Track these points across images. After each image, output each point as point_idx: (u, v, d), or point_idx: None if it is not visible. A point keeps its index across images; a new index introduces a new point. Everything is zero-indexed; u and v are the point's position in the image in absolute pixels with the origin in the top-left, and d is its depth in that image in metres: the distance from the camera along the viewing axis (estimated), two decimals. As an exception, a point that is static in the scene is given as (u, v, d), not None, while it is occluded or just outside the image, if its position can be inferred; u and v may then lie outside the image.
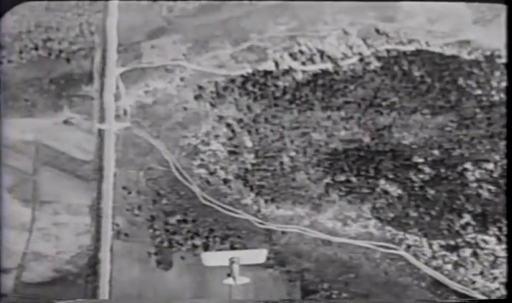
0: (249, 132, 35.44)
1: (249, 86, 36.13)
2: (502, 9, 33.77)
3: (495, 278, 33.16)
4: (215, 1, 36.95)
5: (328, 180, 34.64)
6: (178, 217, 34.26)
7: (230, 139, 35.38)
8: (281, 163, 34.92)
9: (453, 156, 34.90)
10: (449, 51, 36.77)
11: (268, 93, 35.98)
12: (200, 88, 36.19)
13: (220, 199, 34.51)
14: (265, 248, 32.29)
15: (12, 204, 33.66)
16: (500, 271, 33.02)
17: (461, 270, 33.44)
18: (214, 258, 29.95)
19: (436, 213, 34.09)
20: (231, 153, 35.18)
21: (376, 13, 37.41)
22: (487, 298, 32.88)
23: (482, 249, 33.57)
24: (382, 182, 34.54)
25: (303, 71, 36.43)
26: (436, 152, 35.00)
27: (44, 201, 34.19)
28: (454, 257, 33.62)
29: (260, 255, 30.22)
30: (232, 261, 28.61)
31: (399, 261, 33.69)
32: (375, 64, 36.51)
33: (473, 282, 33.26)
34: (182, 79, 36.35)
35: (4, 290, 32.36)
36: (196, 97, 36.09)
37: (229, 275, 29.42)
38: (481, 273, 33.34)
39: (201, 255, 30.73)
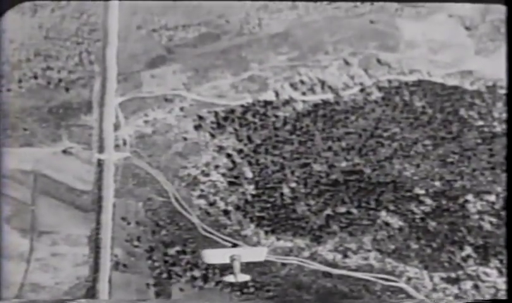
0: (249, 162, 35.22)
1: (249, 116, 35.94)
2: (503, 39, 33.73)
3: (496, 311, 33.01)
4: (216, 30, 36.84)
5: (328, 211, 34.40)
6: (177, 248, 33.99)
7: (230, 169, 35.14)
8: (281, 194, 34.68)
9: (454, 187, 34.70)
10: (451, 81, 36.66)
11: (268, 124, 35.80)
12: (200, 118, 35.97)
13: (220, 230, 34.24)
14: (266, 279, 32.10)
15: (11, 234, 33.41)
16: (502, 304, 32.88)
17: (462, 303, 33.32)
18: (215, 256, 29.52)
19: (437, 245, 33.88)
20: (231, 183, 34.93)
21: (377, 43, 37.30)
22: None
23: (483, 281, 33.35)
24: (383, 213, 34.31)
25: (304, 101, 36.25)
26: (437, 184, 34.79)
27: (42, 231, 33.92)
28: (455, 290, 33.38)
29: (261, 253, 29.83)
30: (233, 259, 28.28)
31: (400, 293, 33.43)
32: (376, 95, 36.35)
33: (474, 315, 33.14)
34: (182, 109, 36.15)
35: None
36: (196, 127, 35.88)
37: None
38: (483, 306, 33.20)
39: (203, 253, 30.30)
